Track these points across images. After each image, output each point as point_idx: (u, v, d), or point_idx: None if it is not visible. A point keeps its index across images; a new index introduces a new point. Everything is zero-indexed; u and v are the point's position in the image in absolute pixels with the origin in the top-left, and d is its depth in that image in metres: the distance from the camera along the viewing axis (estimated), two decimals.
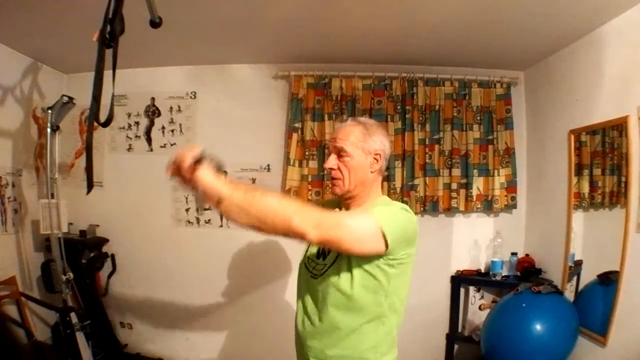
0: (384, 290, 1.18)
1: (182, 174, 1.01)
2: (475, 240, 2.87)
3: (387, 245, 1.08)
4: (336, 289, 1.20)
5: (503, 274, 2.70)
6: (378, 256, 1.14)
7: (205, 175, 0.99)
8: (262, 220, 0.99)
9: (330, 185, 1.34)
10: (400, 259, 1.18)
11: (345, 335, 1.20)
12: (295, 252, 1.40)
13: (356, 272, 1.18)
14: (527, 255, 2.73)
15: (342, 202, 1.35)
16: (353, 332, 1.20)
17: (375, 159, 1.28)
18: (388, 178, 2.74)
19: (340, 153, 1.28)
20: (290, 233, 1.00)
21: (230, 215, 1.00)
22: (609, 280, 2.04)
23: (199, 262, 2.94)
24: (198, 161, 1.00)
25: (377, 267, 1.16)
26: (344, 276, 1.19)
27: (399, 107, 2.77)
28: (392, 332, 1.26)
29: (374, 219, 1.09)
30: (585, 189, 2.32)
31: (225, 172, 1.07)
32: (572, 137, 2.37)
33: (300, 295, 1.35)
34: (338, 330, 1.21)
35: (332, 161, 1.29)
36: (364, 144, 1.26)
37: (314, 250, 1.33)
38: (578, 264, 2.35)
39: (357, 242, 1.07)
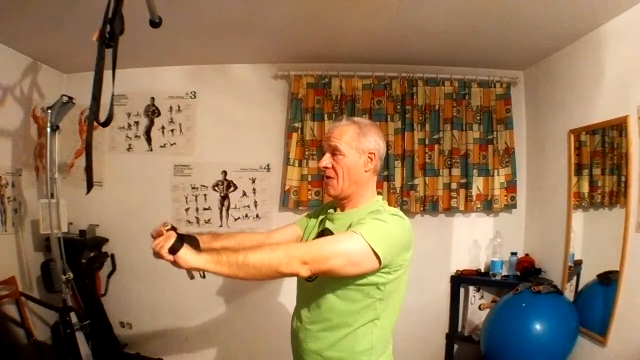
0: (381, 293, 1.18)
1: (166, 259, 1.06)
2: (475, 240, 2.87)
3: (380, 262, 1.09)
4: (331, 293, 1.20)
5: (503, 274, 2.70)
6: (375, 271, 1.14)
7: (186, 257, 1.05)
8: (254, 275, 1.05)
9: (325, 186, 1.34)
10: (396, 267, 1.18)
11: (340, 338, 1.20)
12: None
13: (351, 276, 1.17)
14: (527, 255, 2.73)
15: (337, 203, 1.35)
16: (348, 335, 1.20)
17: (369, 158, 1.28)
18: (388, 178, 2.74)
19: (334, 152, 1.28)
20: (286, 276, 1.08)
21: (224, 276, 1.07)
22: (609, 280, 2.04)
23: None
24: (175, 246, 1.04)
25: (373, 274, 1.16)
26: (339, 280, 1.17)
27: (399, 107, 2.77)
28: (387, 333, 1.26)
29: (362, 239, 1.07)
30: (585, 189, 2.32)
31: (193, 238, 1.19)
32: (572, 137, 2.37)
33: (298, 298, 1.36)
34: (333, 333, 1.21)
35: (326, 160, 1.29)
36: (358, 144, 1.26)
37: None
38: (578, 264, 2.35)
39: (348, 266, 1.09)
